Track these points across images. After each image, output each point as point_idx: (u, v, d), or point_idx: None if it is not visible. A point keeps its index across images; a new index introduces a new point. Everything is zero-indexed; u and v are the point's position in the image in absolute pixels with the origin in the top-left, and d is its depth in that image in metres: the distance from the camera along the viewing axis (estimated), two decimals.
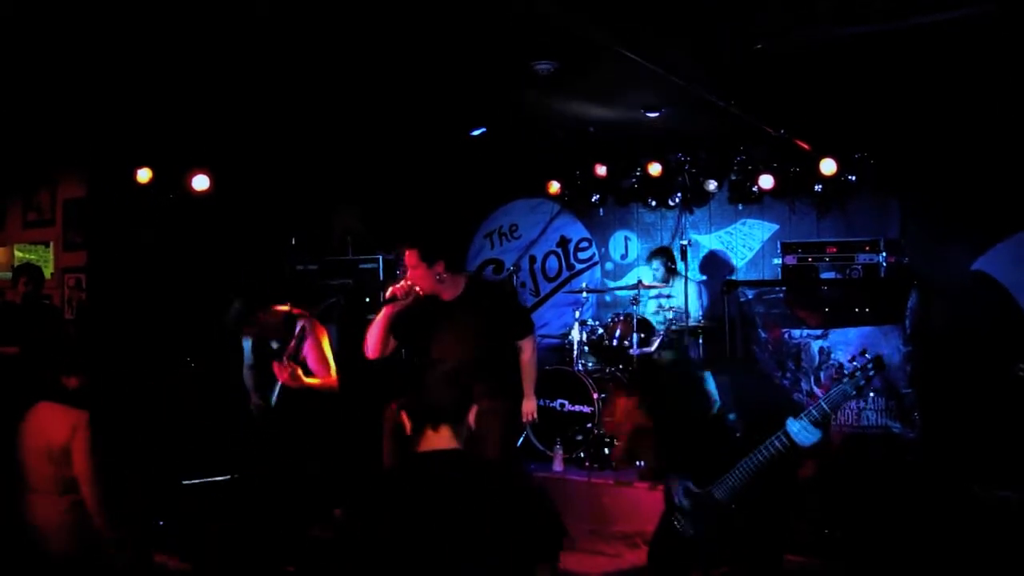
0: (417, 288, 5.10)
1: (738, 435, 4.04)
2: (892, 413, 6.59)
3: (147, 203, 8.41)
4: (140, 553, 4.63)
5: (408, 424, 3.07)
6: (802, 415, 3.77)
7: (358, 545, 2.88)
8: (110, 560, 4.29)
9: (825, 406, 3.77)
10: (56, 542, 4.28)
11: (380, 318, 5.19)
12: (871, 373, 3.77)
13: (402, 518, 2.84)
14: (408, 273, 5.14)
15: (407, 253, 5.12)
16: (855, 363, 3.82)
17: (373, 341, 5.24)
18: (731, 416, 4.09)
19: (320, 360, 5.61)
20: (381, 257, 8.74)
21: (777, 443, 3.81)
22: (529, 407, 5.62)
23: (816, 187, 8.44)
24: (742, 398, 4.10)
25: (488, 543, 2.82)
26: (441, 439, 3.02)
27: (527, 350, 5.49)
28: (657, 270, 8.55)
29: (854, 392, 3.80)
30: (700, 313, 8.24)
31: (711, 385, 4.17)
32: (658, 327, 8.15)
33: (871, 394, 6.30)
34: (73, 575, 4.25)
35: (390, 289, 5.16)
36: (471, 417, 3.12)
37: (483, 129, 8.08)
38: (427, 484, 2.92)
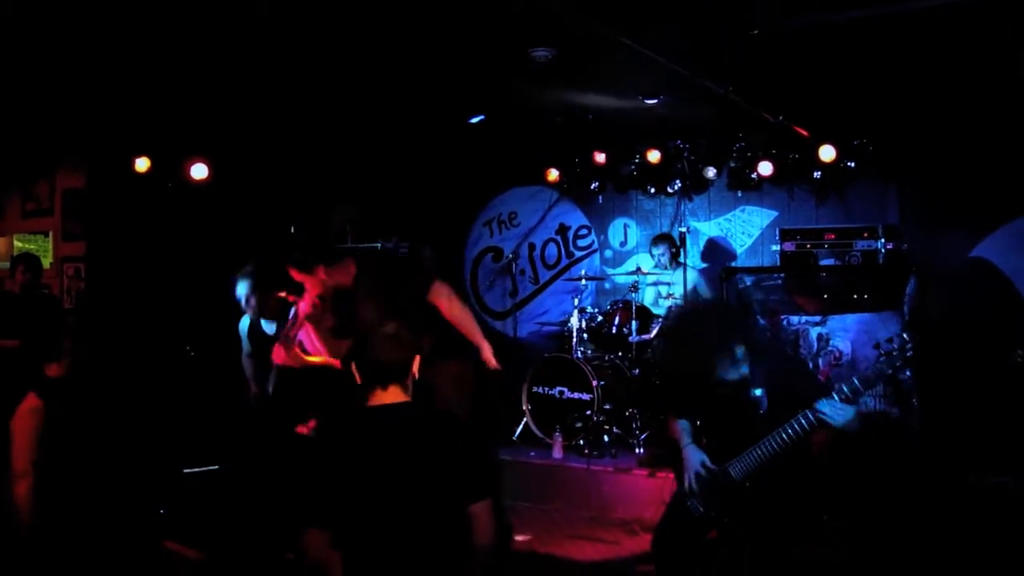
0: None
1: (762, 412, 3.98)
2: (890, 399, 6.60)
3: (146, 192, 8.41)
4: (145, 541, 4.64)
5: (358, 378, 3.33)
6: (832, 394, 3.70)
7: (312, 495, 3.14)
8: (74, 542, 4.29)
9: (857, 383, 3.70)
10: (34, 524, 4.28)
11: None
12: (909, 353, 3.66)
13: (355, 467, 3.12)
14: (304, 293, 5.19)
15: (291, 272, 5.16)
16: (892, 343, 3.70)
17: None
18: (757, 391, 4.02)
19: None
20: (380, 245, 8.74)
21: (804, 421, 3.73)
22: (487, 354, 5.25)
23: (815, 174, 8.42)
24: (768, 376, 4.03)
25: (427, 485, 3.12)
26: (390, 395, 3.29)
27: (443, 304, 5.14)
28: (663, 255, 8.54)
29: (890, 371, 3.70)
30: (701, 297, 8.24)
31: (740, 352, 4.07)
32: (657, 314, 8.16)
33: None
34: (53, 556, 4.25)
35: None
36: (415, 368, 3.39)
37: (482, 116, 8.07)
38: (378, 435, 3.20)
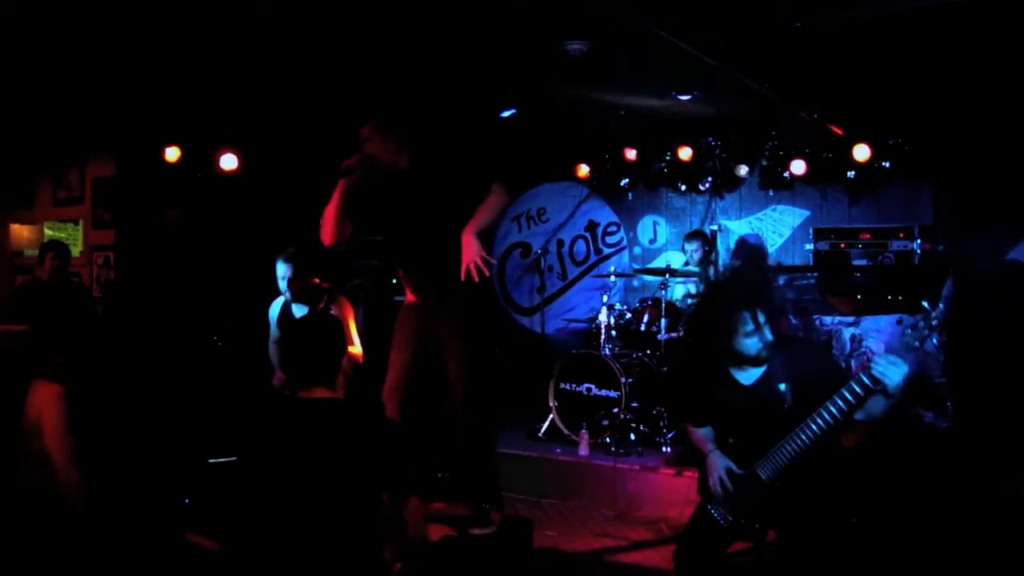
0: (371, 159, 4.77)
1: (787, 407, 3.83)
2: (924, 402, 6.51)
3: (175, 182, 8.44)
4: (165, 532, 4.64)
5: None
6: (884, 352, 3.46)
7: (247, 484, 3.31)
8: (89, 530, 4.30)
9: (913, 336, 3.46)
10: (46, 512, 4.29)
11: (336, 196, 4.77)
12: (935, 322, 3.42)
13: (281, 459, 3.22)
14: (364, 147, 4.78)
15: (363, 129, 4.78)
16: (917, 316, 3.46)
17: (329, 223, 4.81)
18: (781, 386, 3.88)
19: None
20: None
21: (857, 387, 3.49)
22: (467, 246, 4.56)
23: (848, 173, 8.33)
24: (794, 368, 3.89)
25: (346, 477, 3.19)
26: (317, 392, 3.35)
27: (494, 199, 4.75)
28: (695, 251, 8.43)
29: (917, 343, 3.47)
30: None
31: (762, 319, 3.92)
32: (686, 312, 8.09)
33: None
34: (62, 543, 4.26)
35: (343, 163, 4.77)
36: (345, 364, 3.47)
37: (513, 111, 8.03)
38: (303, 428, 3.25)
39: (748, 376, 3.97)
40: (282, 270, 5.89)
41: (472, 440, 4.83)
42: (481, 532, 4.75)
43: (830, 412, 3.60)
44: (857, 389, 3.52)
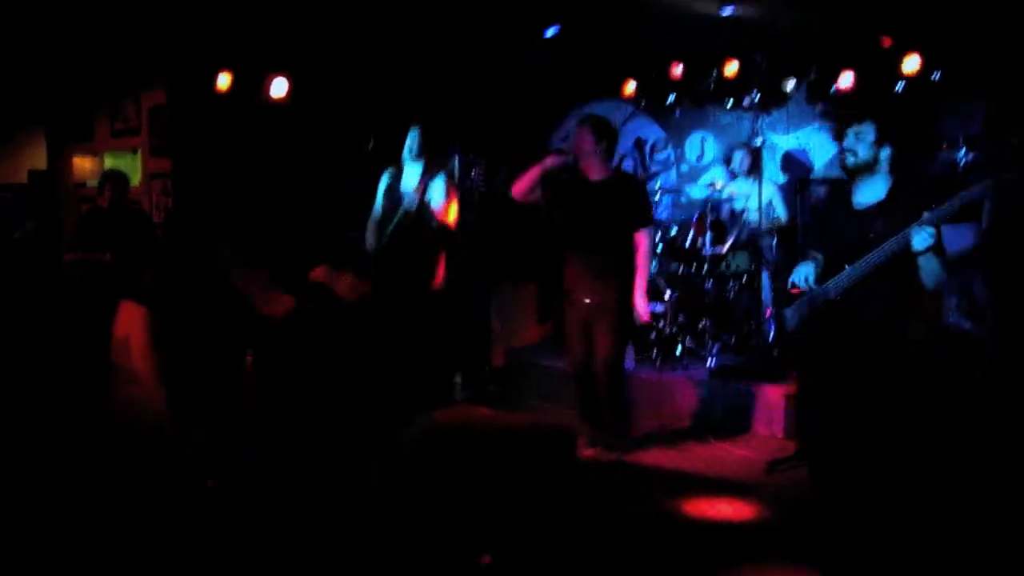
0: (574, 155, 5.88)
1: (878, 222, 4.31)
2: (964, 312, 6.53)
3: (228, 109, 8.56)
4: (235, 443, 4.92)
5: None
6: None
7: None
8: (174, 440, 4.57)
9: (929, 214, 4.04)
10: (133, 423, 4.56)
11: (539, 165, 5.86)
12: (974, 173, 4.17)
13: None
14: (575, 146, 5.87)
15: (580, 129, 5.85)
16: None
17: (524, 182, 5.89)
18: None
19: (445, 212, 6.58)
20: (457, 158, 8.85)
21: (894, 243, 4.13)
22: (639, 307, 5.92)
23: (898, 86, 8.21)
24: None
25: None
26: None
27: (643, 244, 5.89)
28: (744, 160, 8.42)
29: (959, 203, 4.05)
30: (774, 213, 8.15)
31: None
32: (732, 228, 8.13)
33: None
34: (146, 452, 4.53)
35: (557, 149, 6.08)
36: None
37: (557, 28, 8.02)
38: None
39: None
40: (412, 137, 6.60)
41: (612, 397, 6.00)
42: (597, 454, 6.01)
43: (879, 255, 4.22)
44: (893, 245, 4.16)
